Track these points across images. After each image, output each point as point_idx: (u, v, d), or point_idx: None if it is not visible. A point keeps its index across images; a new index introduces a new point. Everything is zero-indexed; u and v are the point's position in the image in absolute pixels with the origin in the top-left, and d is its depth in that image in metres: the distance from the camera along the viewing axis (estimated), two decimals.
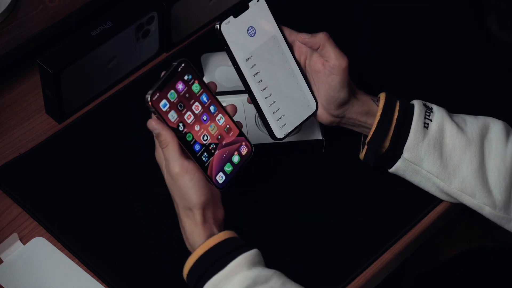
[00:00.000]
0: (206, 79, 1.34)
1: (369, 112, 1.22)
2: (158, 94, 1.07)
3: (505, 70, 1.43)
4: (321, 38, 1.19)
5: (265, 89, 1.20)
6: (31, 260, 1.19)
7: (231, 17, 1.17)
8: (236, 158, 1.15)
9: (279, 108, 1.21)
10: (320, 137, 1.29)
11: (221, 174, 1.13)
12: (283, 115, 1.21)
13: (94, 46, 1.29)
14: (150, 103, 1.07)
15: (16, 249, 1.19)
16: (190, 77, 1.11)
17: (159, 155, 1.11)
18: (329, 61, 1.19)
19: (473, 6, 1.52)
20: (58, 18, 1.36)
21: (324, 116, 1.23)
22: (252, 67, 1.19)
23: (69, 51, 1.27)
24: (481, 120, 1.24)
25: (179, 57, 1.10)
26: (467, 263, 1.52)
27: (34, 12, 1.35)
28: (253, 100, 1.20)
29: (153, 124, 1.09)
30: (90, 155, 1.30)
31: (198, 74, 1.11)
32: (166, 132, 1.08)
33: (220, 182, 1.13)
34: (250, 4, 1.18)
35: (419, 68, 1.44)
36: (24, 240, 1.21)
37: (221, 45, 1.17)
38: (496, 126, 1.23)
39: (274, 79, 1.20)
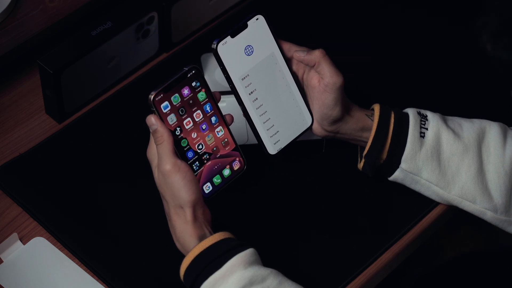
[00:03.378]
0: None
1: (364, 128, 1.22)
2: (162, 95, 1.09)
3: (505, 87, 1.42)
4: (316, 55, 1.18)
5: (260, 106, 1.18)
6: (31, 260, 1.19)
7: (229, 37, 1.15)
8: (227, 172, 1.15)
9: (273, 125, 1.20)
10: (320, 137, 1.29)
11: (208, 184, 1.14)
12: (277, 131, 1.20)
13: (94, 46, 1.29)
14: (152, 102, 1.08)
15: (16, 249, 1.19)
16: (197, 84, 1.11)
17: (151, 152, 1.11)
18: (324, 79, 1.18)
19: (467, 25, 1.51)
20: (58, 18, 1.36)
21: (318, 130, 1.23)
22: (248, 85, 1.17)
23: (69, 51, 1.27)
24: (477, 124, 1.23)
25: (181, 57, 1.10)
26: (468, 266, 1.51)
27: (34, 12, 1.35)
28: (247, 116, 1.18)
29: (152, 119, 1.09)
30: (90, 155, 1.30)
31: (207, 83, 1.12)
32: (163, 129, 1.09)
33: (206, 192, 1.14)
34: (249, 23, 1.16)
35: (415, 72, 1.44)
36: (24, 240, 1.21)
37: (217, 63, 1.16)
38: (492, 129, 1.23)
39: (270, 96, 1.19)
